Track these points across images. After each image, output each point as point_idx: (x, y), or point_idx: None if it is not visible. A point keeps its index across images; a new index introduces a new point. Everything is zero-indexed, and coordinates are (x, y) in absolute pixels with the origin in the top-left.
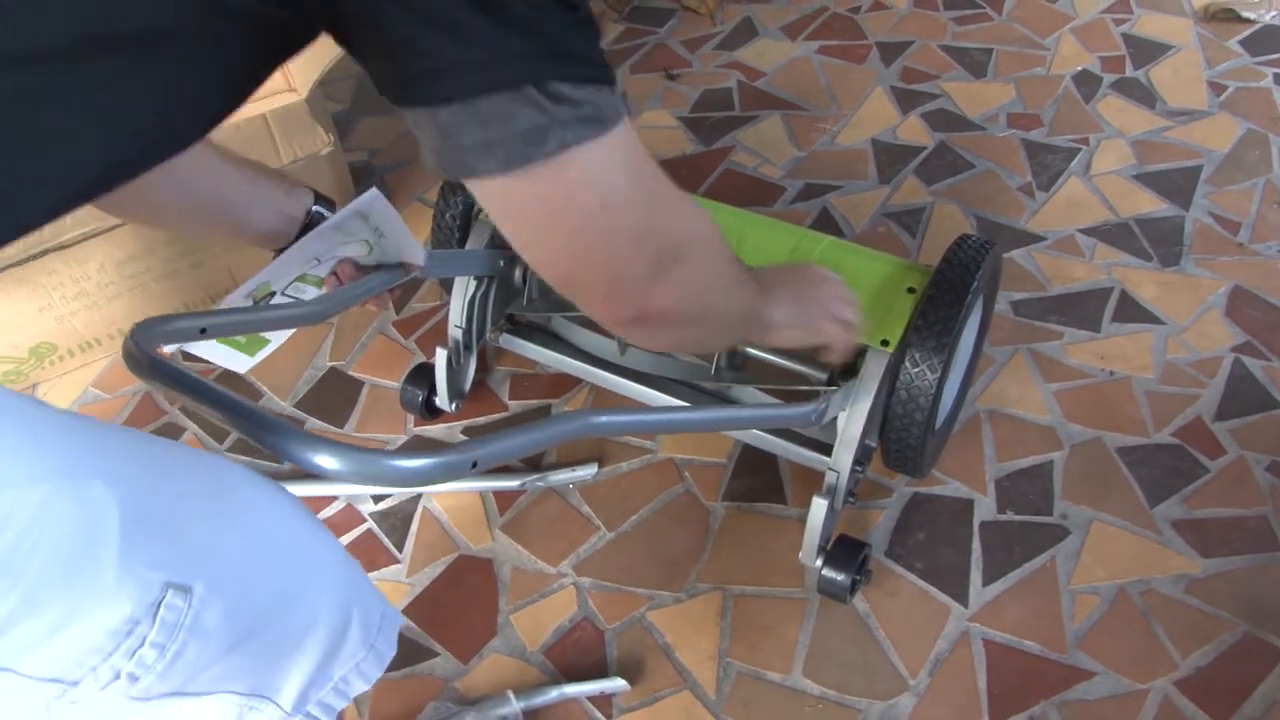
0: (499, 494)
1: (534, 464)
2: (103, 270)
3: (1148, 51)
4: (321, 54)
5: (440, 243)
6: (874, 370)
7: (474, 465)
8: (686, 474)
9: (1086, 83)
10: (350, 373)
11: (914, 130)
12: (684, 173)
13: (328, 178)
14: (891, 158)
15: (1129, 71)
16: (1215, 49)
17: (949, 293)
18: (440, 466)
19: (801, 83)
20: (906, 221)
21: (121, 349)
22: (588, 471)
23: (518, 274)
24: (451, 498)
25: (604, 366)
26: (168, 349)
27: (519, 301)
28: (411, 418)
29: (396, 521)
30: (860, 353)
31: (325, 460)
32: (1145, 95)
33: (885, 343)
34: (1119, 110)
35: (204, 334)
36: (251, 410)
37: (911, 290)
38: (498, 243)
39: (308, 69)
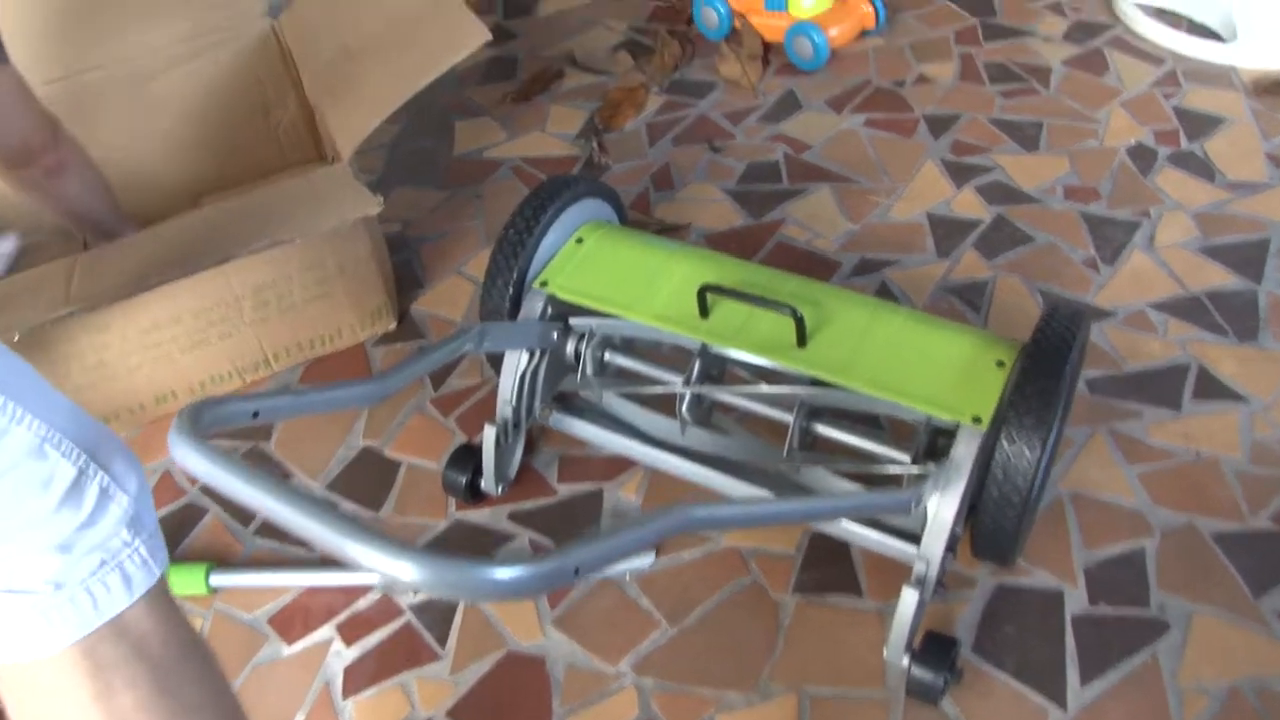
0: None
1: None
2: (124, 339)
3: (1201, 125)
4: (363, 122)
5: (489, 313)
6: (966, 450)
7: (576, 572)
8: (753, 564)
9: (1142, 156)
10: (386, 453)
11: (969, 203)
12: (735, 246)
13: (365, 244)
14: (948, 231)
15: (1184, 144)
16: (1270, 122)
17: (1046, 364)
18: (540, 577)
19: (850, 155)
20: (969, 296)
21: (172, 431)
22: (645, 561)
23: (570, 348)
24: None
25: (662, 448)
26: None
27: (571, 378)
28: (453, 501)
29: (437, 615)
30: (947, 432)
31: (407, 570)
32: (1203, 168)
33: (977, 420)
34: (1178, 183)
35: (256, 416)
36: (318, 508)
37: (1001, 364)
38: (552, 313)
39: (349, 137)
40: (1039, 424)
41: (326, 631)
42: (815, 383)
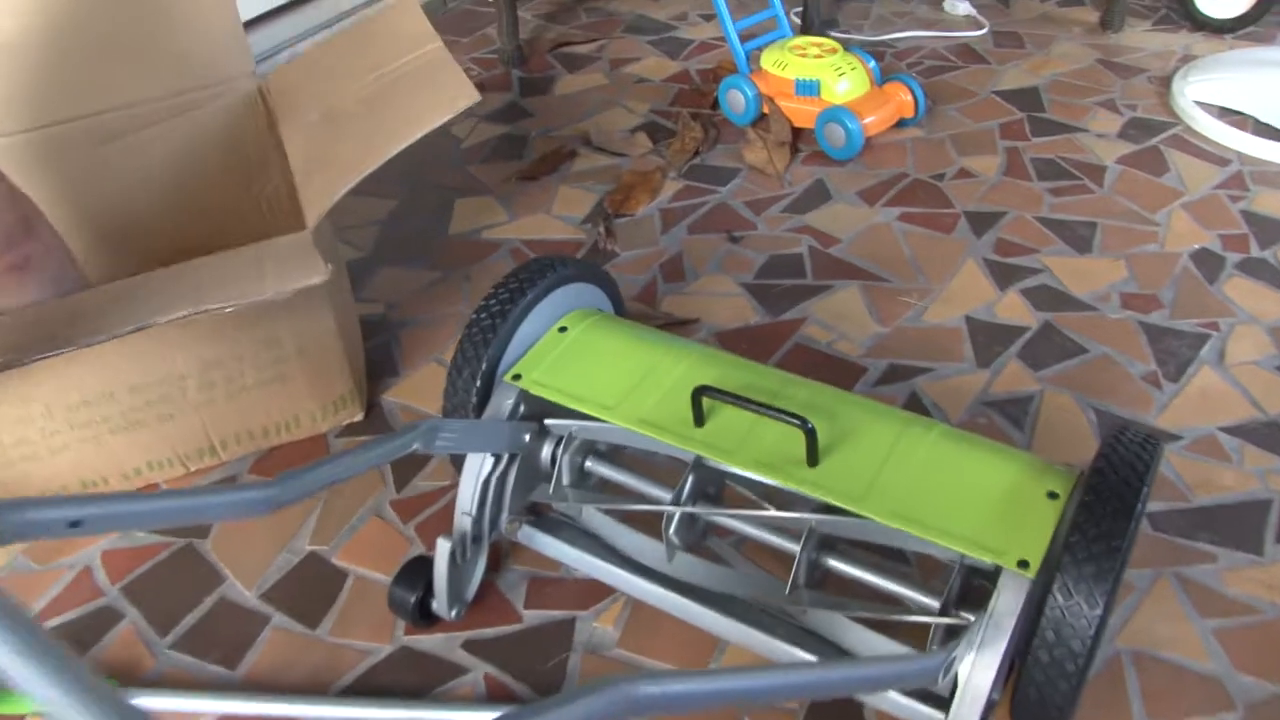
0: None
1: (535, 678)
2: (49, 415)
3: (1272, 231)
4: (333, 186)
5: (454, 409)
6: (1010, 601)
7: None
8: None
9: (1207, 262)
10: (334, 560)
11: (1014, 308)
12: (746, 346)
13: (328, 322)
14: (990, 338)
15: (1255, 251)
16: None
17: (1113, 500)
18: None
19: (882, 251)
20: (1012, 412)
21: None
22: None
23: (546, 452)
24: None
25: (646, 575)
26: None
27: (545, 487)
28: (403, 623)
29: None
30: (986, 575)
31: None
32: (1276, 277)
33: (1024, 565)
34: (1249, 292)
35: (76, 526)
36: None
37: (1054, 496)
38: (525, 412)
39: (317, 202)
40: (1102, 574)
41: None
42: (830, 508)
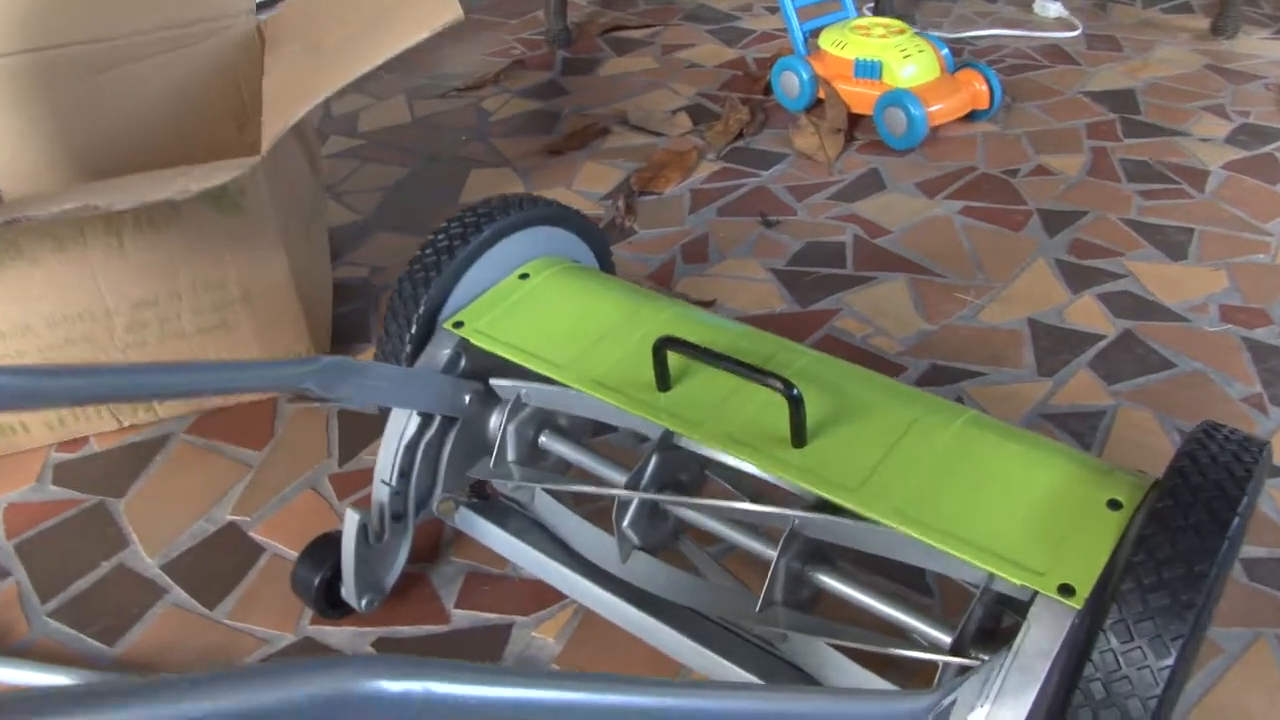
0: None
1: None
2: None
3: None
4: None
5: (385, 353)
6: (1044, 639)
7: None
8: None
9: None
10: (252, 534)
11: (1088, 313)
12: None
13: (281, 269)
14: (1056, 344)
15: None
16: None
17: (1199, 509)
18: None
19: (938, 245)
20: (1076, 428)
21: None
22: None
23: (494, 421)
24: None
25: (596, 577)
26: None
27: (486, 462)
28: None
29: None
30: (1018, 608)
31: None
32: None
33: (1067, 590)
34: None
35: None
36: None
37: (1116, 505)
38: (468, 367)
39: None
40: (1177, 610)
41: None
42: (822, 506)
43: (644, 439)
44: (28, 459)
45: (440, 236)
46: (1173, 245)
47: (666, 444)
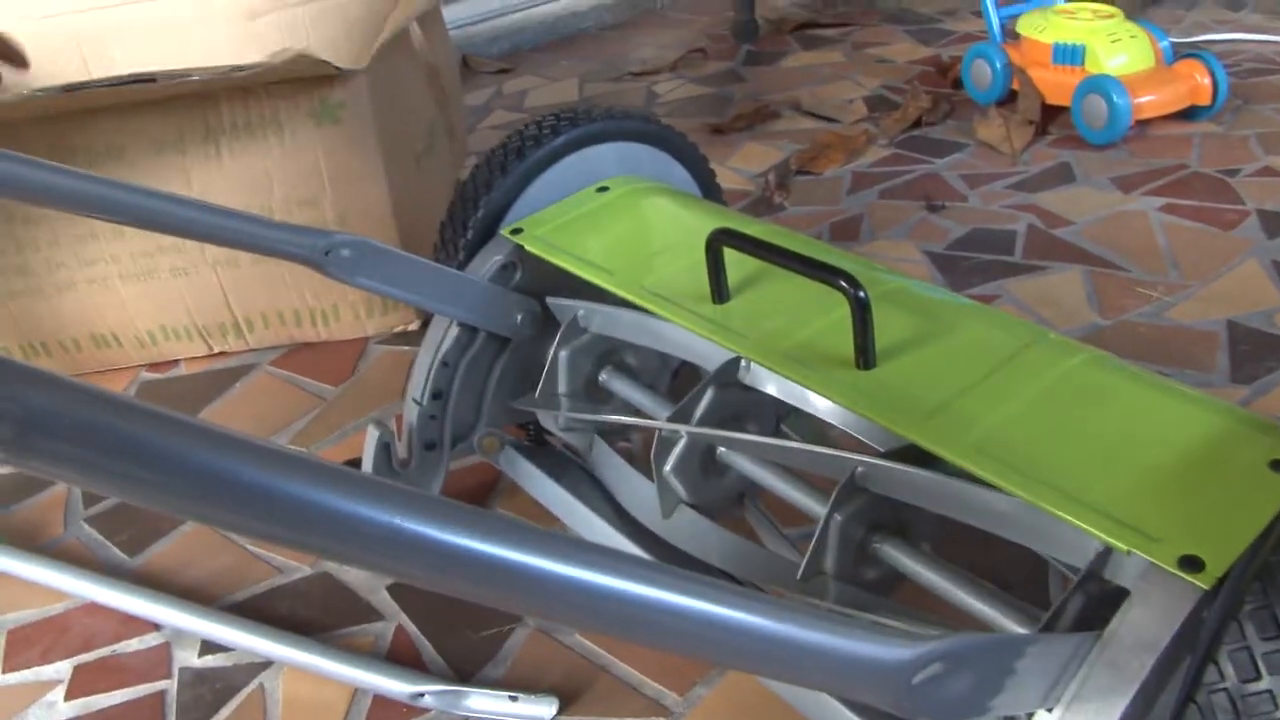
0: (381, 700)
1: (454, 664)
2: (54, 241)
3: None
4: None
5: (440, 260)
6: (1149, 626)
7: None
8: None
9: None
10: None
11: None
12: None
13: (379, 192)
14: (1259, 349)
15: None
16: None
17: None
18: None
19: (1127, 239)
20: None
21: None
22: (538, 711)
23: (552, 349)
24: (309, 682)
25: (635, 536)
26: None
27: (532, 395)
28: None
29: (209, 691)
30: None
31: None
32: None
33: (1192, 564)
34: None
35: None
36: None
37: (1278, 465)
38: (524, 284)
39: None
40: None
41: (59, 669)
42: (897, 455)
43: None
44: (119, 376)
45: (514, 139)
46: None
47: (727, 377)
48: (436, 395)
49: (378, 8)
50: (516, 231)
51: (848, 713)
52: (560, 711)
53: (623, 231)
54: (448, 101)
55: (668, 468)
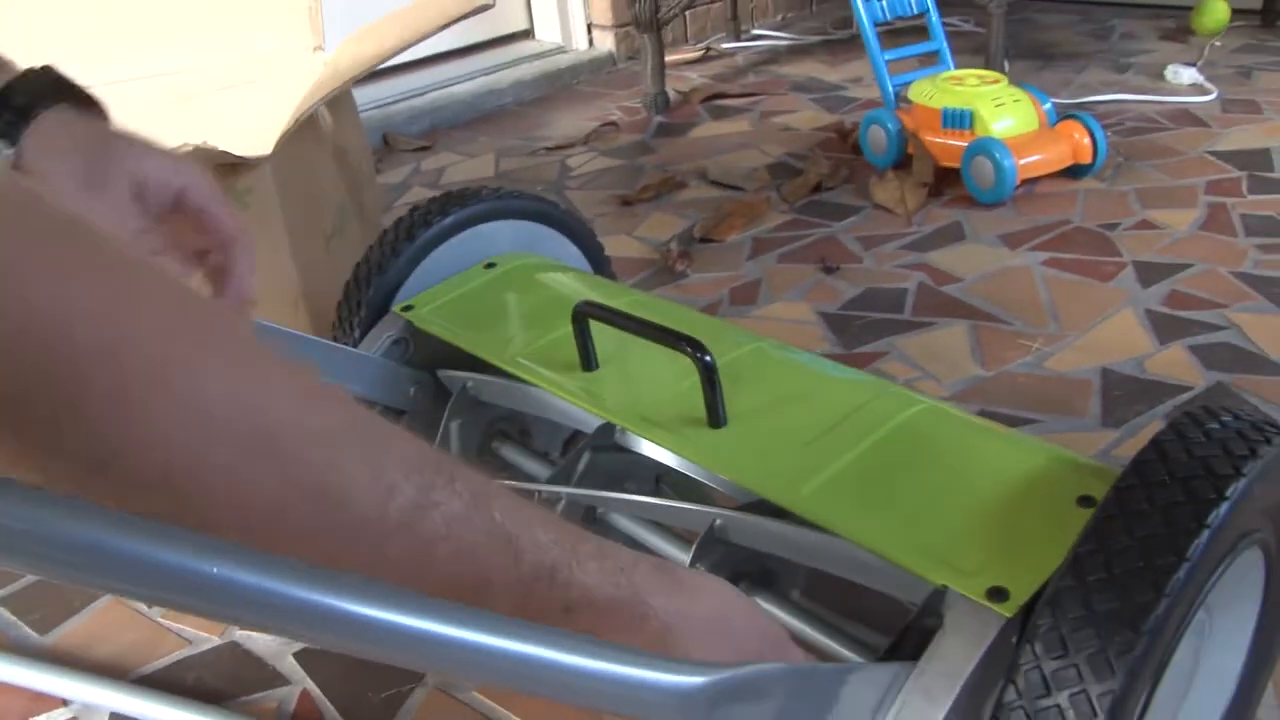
0: None
1: (358, 708)
2: None
3: None
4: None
5: (336, 338)
6: (958, 653)
7: None
8: None
9: None
10: None
11: (1175, 364)
12: None
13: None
14: (1131, 395)
15: None
16: None
17: (1173, 493)
18: None
19: (1012, 294)
20: None
21: None
22: None
23: (444, 419)
24: None
25: None
26: None
27: None
28: None
29: None
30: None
31: None
32: None
33: (1000, 594)
34: None
35: None
36: None
37: (1089, 502)
38: (415, 358)
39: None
40: (1128, 616)
41: None
42: (754, 508)
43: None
44: None
45: (405, 220)
46: None
47: (603, 440)
48: None
49: (283, 97)
50: (408, 309)
51: None
52: None
53: (507, 306)
54: (358, 182)
55: None
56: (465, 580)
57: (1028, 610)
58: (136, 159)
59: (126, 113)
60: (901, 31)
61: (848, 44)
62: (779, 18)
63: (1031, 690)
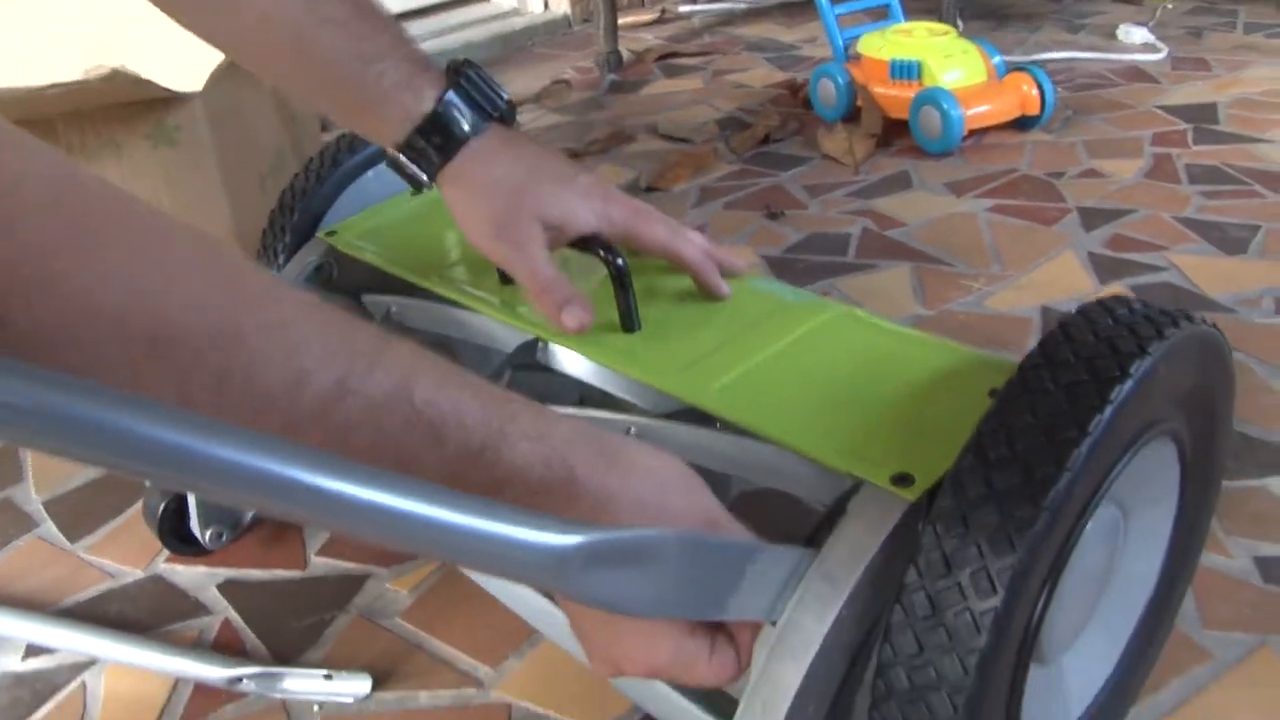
0: (202, 689)
1: (276, 652)
2: None
3: None
4: None
5: (263, 260)
6: (860, 538)
7: None
8: None
9: None
10: (147, 481)
11: None
12: None
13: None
14: None
15: None
16: None
17: (1076, 372)
18: None
19: (955, 238)
20: None
21: None
22: (352, 687)
23: None
24: (130, 678)
25: None
26: None
27: None
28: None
29: (28, 693)
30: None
31: None
32: None
33: (905, 480)
34: None
35: None
36: None
37: (995, 394)
38: (340, 283)
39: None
40: (1028, 492)
41: None
42: (674, 416)
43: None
44: None
45: (330, 147)
46: (1230, 241)
47: (524, 358)
48: None
49: None
50: (331, 234)
51: (675, 696)
52: (376, 688)
53: (432, 231)
54: (299, 134)
55: None
56: (386, 464)
57: (932, 495)
58: (548, 205)
59: (58, 30)
60: None
61: (804, 6)
62: None
63: (932, 570)
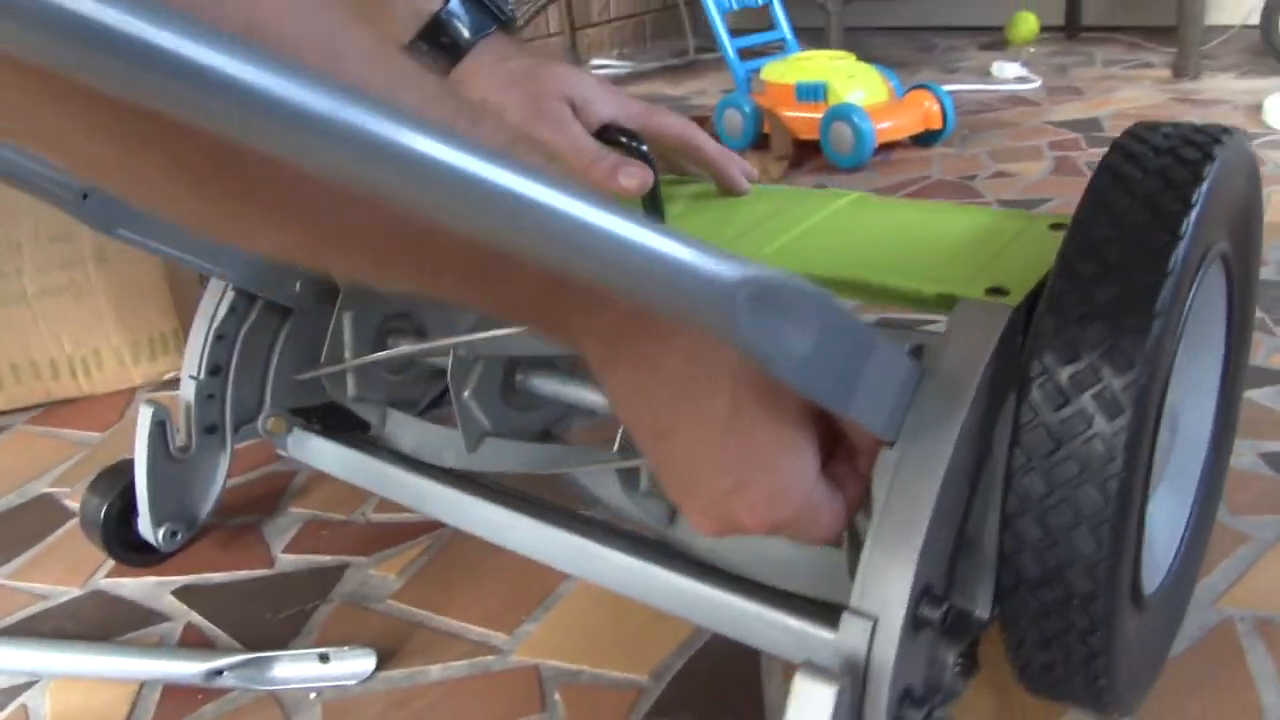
0: (172, 691)
1: (254, 631)
2: None
3: None
4: None
5: None
6: (972, 345)
7: None
8: (557, 697)
9: None
10: (66, 502)
11: None
12: None
13: None
14: None
15: None
16: None
17: (1150, 199)
18: None
19: None
20: None
21: None
22: (354, 667)
23: (340, 314)
24: (80, 691)
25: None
26: None
27: (317, 364)
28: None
29: None
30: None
31: None
32: None
33: (1000, 292)
34: None
35: None
36: None
37: (1058, 227)
38: None
39: None
40: (1129, 314)
41: None
42: None
43: None
44: None
45: None
46: None
47: None
48: (214, 371)
49: None
50: None
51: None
52: (380, 667)
53: None
54: None
55: (467, 393)
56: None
57: (1027, 320)
58: (572, 85)
59: None
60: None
61: (687, 68)
62: (615, 52)
63: (1050, 402)
